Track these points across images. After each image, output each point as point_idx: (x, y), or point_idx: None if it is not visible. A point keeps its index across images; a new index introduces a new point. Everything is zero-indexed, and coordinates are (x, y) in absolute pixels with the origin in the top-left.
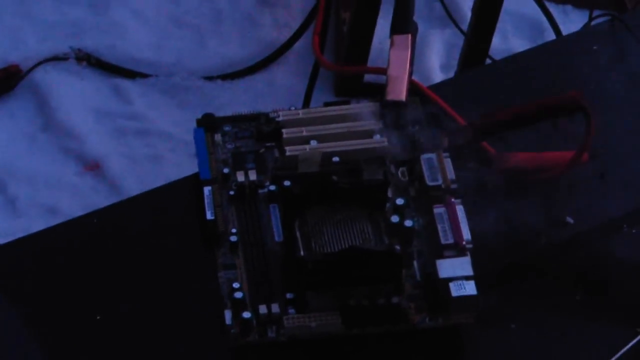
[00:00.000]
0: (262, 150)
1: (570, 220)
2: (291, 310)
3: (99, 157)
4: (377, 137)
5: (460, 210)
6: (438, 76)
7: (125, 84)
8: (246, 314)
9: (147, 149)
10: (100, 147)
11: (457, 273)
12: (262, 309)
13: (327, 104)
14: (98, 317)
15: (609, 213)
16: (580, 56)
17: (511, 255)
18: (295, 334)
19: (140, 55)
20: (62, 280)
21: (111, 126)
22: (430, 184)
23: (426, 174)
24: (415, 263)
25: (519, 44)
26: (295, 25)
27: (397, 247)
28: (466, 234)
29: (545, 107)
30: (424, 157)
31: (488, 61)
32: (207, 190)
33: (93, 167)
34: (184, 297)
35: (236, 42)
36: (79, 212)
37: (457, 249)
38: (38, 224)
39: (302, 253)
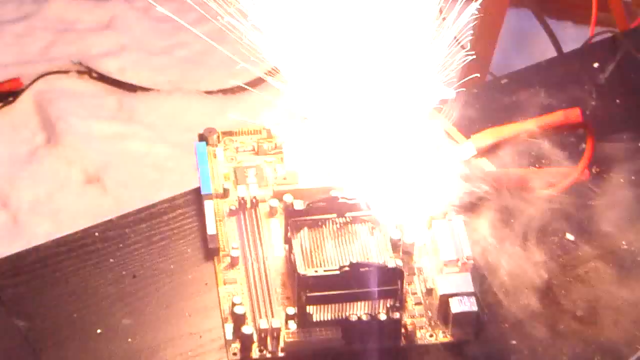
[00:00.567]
0: (263, 165)
1: (570, 237)
2: (292, 325)
3: (100, 169)
4: None
5: (461, 226)
6: None
7: (127, 97)
8: (247, 329)
9: (149, 163)
10: (102, 160)
11: (458, 289)
12: (263, 323)
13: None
14: (99, 331)
15: (609, 229)
16: (580, 73)
17: (512, 271)
18: (296, 349)
19: (143, 70)
20: (64, 292)
21: (113, 139)
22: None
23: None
24: (416, 279)
25: (520, 61)
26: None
27: (399, 263)
28: (467, 250)
29: (547, 124)
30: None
31: (489, 78)
32: (208, 204)
33: (95, 179)
34: (185, 311)
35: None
36: (81, 225)
37: (458, 265)
38: (40, 236)
39: (303, 268)
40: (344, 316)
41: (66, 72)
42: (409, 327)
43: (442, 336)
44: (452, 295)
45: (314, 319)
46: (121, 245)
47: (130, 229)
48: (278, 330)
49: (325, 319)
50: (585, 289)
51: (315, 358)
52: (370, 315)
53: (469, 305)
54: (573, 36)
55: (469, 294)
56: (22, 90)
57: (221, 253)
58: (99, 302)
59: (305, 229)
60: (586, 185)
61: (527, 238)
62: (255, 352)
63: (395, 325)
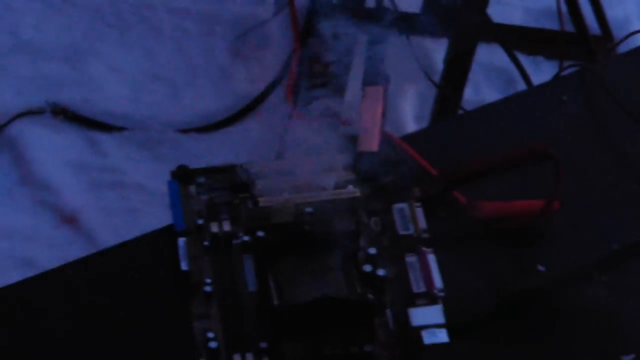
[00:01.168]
0: (236, 201)
1: (541, 268)
2: None
3: (75, 210)
4: (350, 187)
5: (431, 259)
6: (411, 127)
7: (101, 137)
8: None
9: (123, 202)
10: (76, 200)
11: (429, 321)
12: (237, 358)
13: (299, 156)
14: None
15: (579, 261)
16: (550, 106)
17: (483, 303)
18: None
19: (116, 109)
20: (36, 331)
21: (87, 179)
22: (402, 233)
23: (398, 223)
24: (388, 311)
25: (490, 95)
26: (269, 78)
27: (370, 296)
28: (438, 283)
29: (515, 157)
30: (396, 206)
31: (460, 112)
32: (181, 241)
33: (69, 220)
34: (159, 347)
35: (211, 95)
36: (56, 265)
37: (429, 298)
38: (14, 277)
39: (275, 302)
40: (317, 350)
41: (41, 112)
42: None
43: None
44: (423, 327)
45: (288, 353)
46: (95, 283)
47: (103, 267)
48: None
49: (299, 353)
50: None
51: None
52: (343, 348)
53: (440, 337)
54: (544, 70)
55: (440, 326)
56: None
57: (195, 289)
58: (73, 340)
59: (278, 263)
60: (556, 217)
61: (498, 269)
62: None
63: (367, 358)
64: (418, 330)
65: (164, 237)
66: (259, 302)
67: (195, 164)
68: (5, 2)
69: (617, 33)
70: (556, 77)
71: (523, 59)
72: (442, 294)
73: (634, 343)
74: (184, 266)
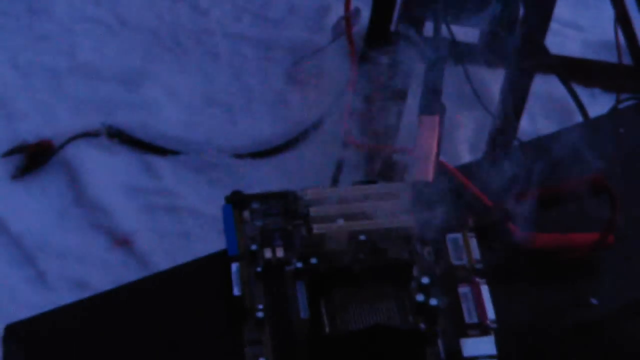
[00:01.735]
0: (290, 227)
1: (594, 301)
2: None
3: (128, 232)
4: (404, 216)
5: (484, 289)
6: (466, 157)
7: (155, 160)
8: None
9: (177, 226)
10: (130, 223)
11: (481, 352)
12: None
13: (355, 183)
14: None
15: (632, 294)
16: (606, 138)
17: (535, 335)
18: None
19: (171, 132)
20: (90, 354)
21: (141, 202)
22: (456, 263)
23: (451, 253)
24: (439, 342)
25: (546, 126)
26: (325, 104)
27: (422, 326)
28: (490, 314)
29: (571, 189)
30: (450, 236)
31: (516, 143)
32: (234, 266)
33: (123, 242)
34: None
35: (266, 121)
36: (108, 287)
37: (481, 328)
38: (67, 298)
39: (327, 330)
40: None
41: (96, 134)
42: None
43: None
44: (475, 359)
45: None
46: (148, 306)
47: (156, 290)
48: None
49: None
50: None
51: None
52: None
53: None
54: (601, 102)
55: (492, 357)
56: (53, 153)
57: (247, 314)
58: None
59: (330, 291)
60: (611, 250)
61: (552, 301)
62: None
63: None
64: None
65: (217, 262)
66: (311, 330)
67: (249, 189)
68: (64, 24)
69: None
70: (613, 109)
71: (580, 90)
72: (494, 325)
73: None
74: (236, 291)
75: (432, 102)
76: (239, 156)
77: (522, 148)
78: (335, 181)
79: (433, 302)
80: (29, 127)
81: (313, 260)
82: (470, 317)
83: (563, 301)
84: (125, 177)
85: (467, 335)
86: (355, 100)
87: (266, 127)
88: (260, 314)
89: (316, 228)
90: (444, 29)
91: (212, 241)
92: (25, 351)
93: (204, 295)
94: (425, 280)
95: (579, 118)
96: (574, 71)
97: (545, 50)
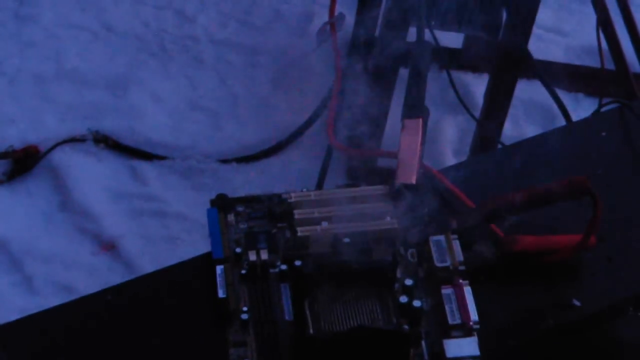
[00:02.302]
0: (274, 230)
1: (577, 302)
2: None
3: (114, 237)
4: (387, 219)
5: (467, 291)
6: (450, 161)
7: (141, 165)
8: None
9: (163, 230)
10: (116, 227)
11: (464, 353)
12: None
13: (339, 186)
14: None
15: (615, 296)
16: (589, 142)
17: (518, 336)
18: None
19: (157, 138)
20: (75, 356)
21: (127, 207)
22: (439, 265)
23: (435, 255)
24: (423, 343)
25: (530, 130)
26: (310, 109)
27: (406, 327)
28: (473, 315)
29: (554, 191)
30: (433, 239)
31: (499, 147)
32: (219, 269)
33: (109, 247)
34: None
35: (251, 126)
36: (94, 291)
37: (464, 330)
38: (54, 303)
39: (311, 331)
40: None
41: (83, 140)
42: None
43: None
44: (458, 359)
45: None
46: (133, 308)
47: (142, 293)
48: None
49: None
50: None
51: None
52: None
53: None
54: (584, 106)
55: (475, 358)
56: (39, 158)
57: (231, 316)
58: None
59: (315, 293)
60: (593, 252)
61: (534, 303)
62: None
63: None
64: None
65: (202, 265)
66: (295, 331)
67: (235, 194)
68: (50, 31)
69: None
70: (595, 113)
71: (563, 95)
72: (477, 326)
73: None
74: (221, 293)
75: (415, 106)
76: (225, 161)
77: (506, 151)
78: (320, 185)
79: (416, 303)
80: (15, 132)
81: (297, 263)
82: (453, 318)
83: (546, 302)
84: (111, 182)
85: (450, 336)
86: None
87: (251, 132)
88: (244, 316)
89: (300, 231)
90: (427, 34)
91: (197, 245)
92: (9, 354)
93: (189, 297)
94: (408, 282)
95: (562, 122)
96: (557, 76)
97: (528, 56)
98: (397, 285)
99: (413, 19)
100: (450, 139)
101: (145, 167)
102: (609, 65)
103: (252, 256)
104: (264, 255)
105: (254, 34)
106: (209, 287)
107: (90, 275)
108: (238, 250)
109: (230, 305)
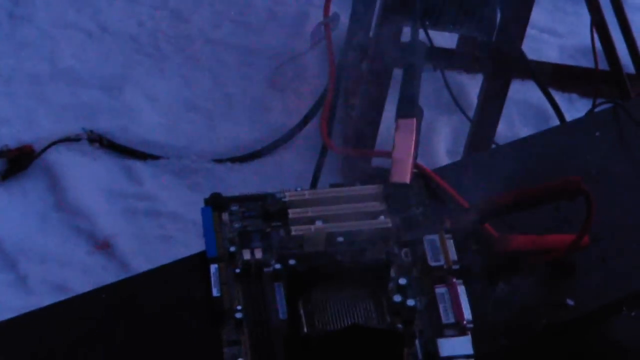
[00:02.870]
0: (269, 229)
1: (570, 302)
2: None
3: (109, 236)
4: (381, 218)
5: (461, 290)
6: (444, 161)
7: (136, 165)
8: None
9: (157, 229)
10: (110, 226)
11: (458, 352)
12: None
13: (332, 186)
14: None
15: (608, 296)
16: (583, 142)
17: (512, 335)
18: None
19: (152, 138)
20: (69, 355)
21: (122, 206)
22: (433, 264)
23: (429, 254)
24: (417, 342)
25: (524, 131)
26: (304, 110)
27: (399, 326)
28: (467, 314)
29: (547, 191)
30: (427, 238)
31: (493, 147)
32: (213, 267)
33: (103, 246)
34: None
35: (246, 126)
36: (89, 290)
37: (458, 329)
38: (48, 302)
39: (305, 330)
40: None
41: (77, 140)
42: None
43: None
44: (452, 358)
45: None
46: (127, 307)
47: (136, 291)
48: None
49: None
50: (586, 350)
51: None
52: None
53: None
54: (578, 107)
55: (468, 357)
56: (34, 158)
57: (225, 315)
58: None
59: (309, 292)
60: (586, 251)
61: (528, 302)
62: None
63: None
64: None
65: (196, 264)
66: (289, 330)
67: (229, 193)
68: (45, 31)
69: None
70: (589, 113)
71: (557, 96)
72: (471, 326)
73: None
74: (215, 292)
75: (409, 106)
76: (219, 161)
77: (500, 151)
78: (314, 185)
79: (410, 302)
80: (10, 132)
81: (291, 262)
82: (447, 317)
83: (539, 302)
84: (106, 182)
85: (444, 336)
86: (333, 105)
87: (246, 132)
88: (239, 315)
89: (295, 230)
90: (421, 34)
91: (192, 245)
92: (3, 353)
93: (183, 296)
94: (402, 281)
95: (556, 122)
96: (551, 76)
97: (522, 56)
98: (391, 284)
99: (407, 19)
100: (444, 139)
101: (140, 167)
102: (603, 65)
103: (247, 255)
104: (258, 254)
105: (249, 34)
106: (203, 286)
107: (85, 274)
108: (232, 249)
109: (225, 304)
